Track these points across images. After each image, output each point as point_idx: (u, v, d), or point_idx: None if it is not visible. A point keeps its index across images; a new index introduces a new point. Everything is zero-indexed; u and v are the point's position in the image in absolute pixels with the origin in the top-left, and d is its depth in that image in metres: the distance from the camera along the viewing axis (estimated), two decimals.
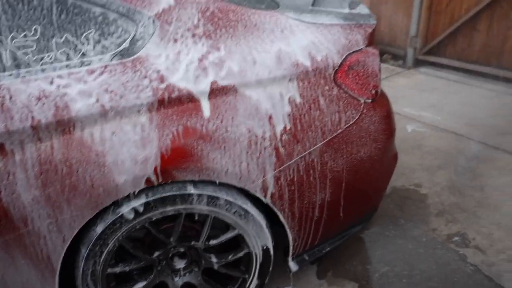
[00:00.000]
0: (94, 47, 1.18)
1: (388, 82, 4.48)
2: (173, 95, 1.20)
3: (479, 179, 2.59)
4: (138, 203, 1.24)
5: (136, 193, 1.22)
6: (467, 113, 3.56)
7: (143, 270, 1.44)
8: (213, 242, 1.43)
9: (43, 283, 1.25)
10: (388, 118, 1.62)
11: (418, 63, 4.90)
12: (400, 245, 2.05)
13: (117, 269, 1.35)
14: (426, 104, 3.79)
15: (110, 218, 1.23)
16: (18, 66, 1.13)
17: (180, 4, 1.25)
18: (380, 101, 1.59)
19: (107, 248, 1.27)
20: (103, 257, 1.28)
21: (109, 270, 1.33)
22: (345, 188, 1.56)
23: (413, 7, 4.69)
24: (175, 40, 1.23)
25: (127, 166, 1.17)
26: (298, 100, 1.36)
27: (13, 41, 1.14)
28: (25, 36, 1.15)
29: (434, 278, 1.84)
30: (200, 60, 1.24)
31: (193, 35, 1.25)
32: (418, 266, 1.91)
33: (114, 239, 1.27)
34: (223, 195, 1.32)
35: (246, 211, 1.37)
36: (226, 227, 1.42)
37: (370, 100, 1.52)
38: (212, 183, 1.31)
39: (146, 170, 1.19)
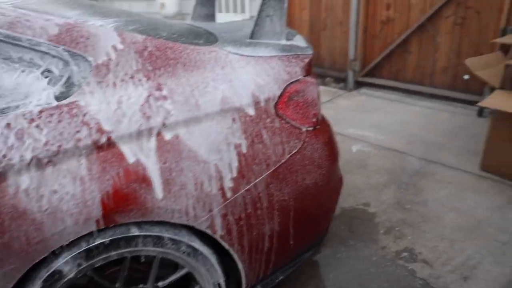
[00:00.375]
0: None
1: (331, 104, 4.64)
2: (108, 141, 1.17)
3: (422, 194, 2.72)
4: (77, 251, 1.17)
5: (72, 241, 1.16)
6: (406, 130, 3.75)
7: None
8: (162, 283, 1.38)
9: None
10: (330, 144, 1.67)
11: (358, 84, 5.13)
12: (352, 266, 2.09)
13: None
14: (369, 124, 3.96)
15: (45, 273, 1.16)
16: None
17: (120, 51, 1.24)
18: (321, 127, 1.64)
19: None
20: None
21: None
22: (293, 216, 1.57)
23: (349, 32, 4.94)
24: (114, 84, 1.21)
25: (64, 214, 1.11)
26: (241, 136, 1.37)
27: None
28: None
29: None
30: (140, 103, 1.22)
31: (132, 77, 1.23)
32: (370, 285, 1.95)
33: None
34: (169, 235, 1.29)
35: (195, 249, 1.34)
36: (175, 266, 1.38)
37: (311, 128, 1.56)
38: (157, 222, 1.27)
39: (89, 215, 1.14)
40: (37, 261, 1.13)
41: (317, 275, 2.04)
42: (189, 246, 1.32)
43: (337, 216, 2.50)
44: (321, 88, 5.21)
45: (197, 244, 1.35)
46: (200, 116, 1.30)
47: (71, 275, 1.18)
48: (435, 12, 4.23)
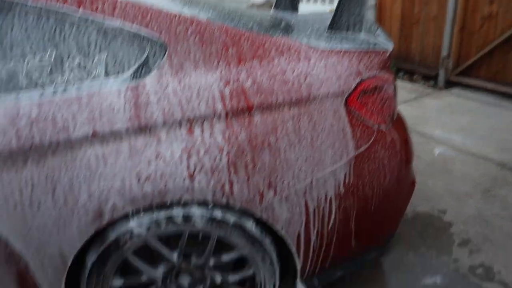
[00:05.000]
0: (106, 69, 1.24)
1: (417, 102, 4.39)
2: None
3: (509, 208, 2.47)
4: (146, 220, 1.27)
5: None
6: (499, 137, 3.43)
7: (148, 285, 1.46)
8: (216, 260, 1.43)
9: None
10: (404, 145, 1.59)
11: (449, 84, 4.78)
12: (418, 274, 1.98)
13: (121, 283, 1.37)
14: (456, 126, 3.68)
15: (117, 232, 1.27)
16: (34, 86, 1.20)
17: (192, 33, 1.29)
18: (395, 127, 1.57)
19: (112, 261, 1.30)
20: (107, 269, 1.31)
21: (114, 283, 1.35)
22: (356, 214, 1.53)
23: (445, 27, 4.60)
24: (185, 68, 1.27)
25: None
26: (309, 129, 1.36)
27: (29, 63, 1.21)
28: (40, 58, 1.22)
29: None
30: (212, 87, 1.26)
31: (205, 63, 1.28)
32: None
33: (120, 252, 1.29)
34: (233, 218, 1.33)
35: (252, 233, 1.37)
36: (231, 247, 1.42)
37: (383, 127, 1.49)
38: (216, 202, 1.32)
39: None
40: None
41: (379, 278, 1.97)
42: (246, 229, 1.35)
43: (409, 220, 2.38)
44: (408, 85, 4.94)
45: (253, 228, 1.37)
46: (272, 105, 1.31)
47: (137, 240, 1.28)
48: None
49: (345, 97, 1.42)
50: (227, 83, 1.28)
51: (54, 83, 1.21)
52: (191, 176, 1.25)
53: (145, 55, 1.26)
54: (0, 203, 1.17)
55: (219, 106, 1.27)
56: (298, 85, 1.34)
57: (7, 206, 1.17)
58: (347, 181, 1.46)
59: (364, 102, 1.46)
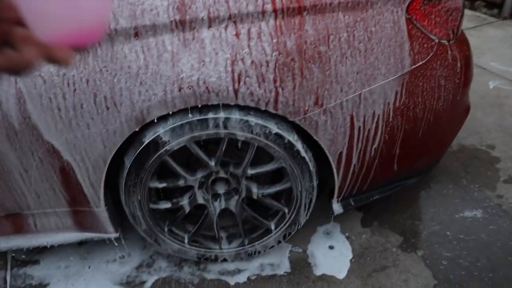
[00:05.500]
0: None
1: (476, 31, 4.02)
2: None
3: None
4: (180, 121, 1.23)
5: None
6: None
7: (184, 190, 1.47)
8: (254, 171, 1.40)
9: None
10: (465, 65, 1.44)
11: None
12: (457, 207, 1.91)
13: (158, 184, 1.39)
14: None
15: (153, 133, 1.25)
16: None
17: None
18: (458, 44, 1.41)
19: (150, 163, 1.30)
20: (145, 170, 1.32)
21: (151, 185, 1.37)
22: (403, 137, 1.44)
23: None
24: None
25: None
26: (365, 33, 1.23)
27: None
28: None
29: (493, 247, 1.70)
30: None
31: None
32: (474, 233, 1.78)
33: (158, 155, 1.29)
34: (271, 125, 1.27)
35: (292, 144, 1.31)
36: (271, 158, 1.39)
37: (445, 41, 1.34)
38: (258, 110, 1.26)
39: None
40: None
41: (416, 206, 1.92)
42: (287, 140, 1.30)
43: (454, 152, 2.26)
44: (469, 12, 4.51)
45: (295, 140, 1.32)
46: (326, 8, 1.19)
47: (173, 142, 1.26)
48: None
49: (407, 4, 1.27)
50: None
51: None
52: (234, 80, 1.18)
53: None
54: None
55: (268, 6, 1.15)
56: None
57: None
58: (397, 99, 1.35)
59: (428, 11, 1.30)
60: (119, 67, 1.14)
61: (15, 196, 1.36)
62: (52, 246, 1.54)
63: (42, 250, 1.71)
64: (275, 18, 1.17)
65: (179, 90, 1.16)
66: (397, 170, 1.57)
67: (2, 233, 1.47)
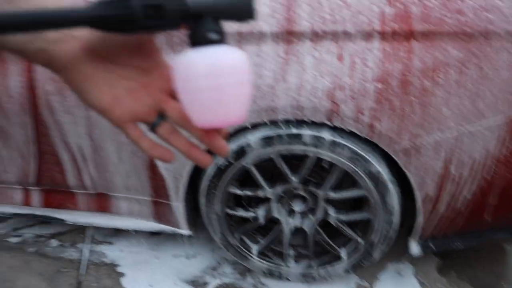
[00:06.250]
0: None
1: None
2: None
3: None
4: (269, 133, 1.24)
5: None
6: None
7: (261, 201, 1.48)
8: (335, 194, 1.36)
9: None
10: None
11: None
12: None
13: (238, 191, 1.40)
14: None
15: (242, 141, 1.27)
16: None
17: None
18: None
19: (234, 168, 1.32)
20: (227, 175, 1.34)
21: (231, 190, 1.38)
22: (502, 186, 1.31)
23: None
24: None
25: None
26: (477, 66, 1.15)
27: None
28: None
29: None
30: (373, 2, 1.11)
31: None
32: None
33: (243, 162, 1.30)
34: (360, 150, 1.23)
35: (379, 173, 1.26)
36: (353, 184, 1.34)
37: None
38: (350, 134, 1.23)
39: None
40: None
41: (503, 263, 1.74)
42: (376, 169, 1.25)
43: None
44: None
45: (384, 171, 1.26)
46: (437, 36, 1.13)
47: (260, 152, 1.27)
48: None
49: None
50: (390, 1, 1.11)
51: None
52: (331, 101, 1.16)
53: None
54: None
55: (376, 26, 1.12)
56: (475, 17, 1.11)
57: None
58: (502, 144, 1.24)
59: None
60: None
61: (108, 178, 1.45)
62: (127, 231, 1.61)
63: (116, 233, 1.81)
64: (382, 41, 1.13)
65: (275, 101, 1.17)
66: (489, 220, 1.43)
67: (88, 209, 1.57)
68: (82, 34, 0.38)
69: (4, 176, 1.55)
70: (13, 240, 1.82)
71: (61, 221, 1.62)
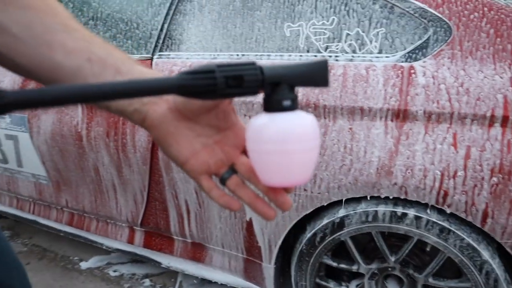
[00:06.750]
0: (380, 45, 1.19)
1: None
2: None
3: None
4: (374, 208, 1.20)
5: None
6: None
7: (353, 275, 1.42)
8: (437, 282, 1.26)
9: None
10: None
11: None
12: None
13: (331, 262, 1.36)
14: None
15: (342, 212, 1.26)
16: (307, 50, 1.25)
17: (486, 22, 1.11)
18: None
19: (330, 238, 1.30)
20: (323, 245, 1.32)
21: (324, 260, 1.35)
22: None
23: None
24: (465, 57, 1.11)
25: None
26: None
27: (311, 27, 1.27)
28: (322, 24, 1.26)
29: None
30: (497, 89, 1.07)
31: (495, 60, 1.09)
32: None
33: (340, 233, 1.28)
34: (470, 239, 1.14)
35: (492, 268, 1.14)
36: (459, 274, 1.24)
37: None
38: (459, 219, 1.15)
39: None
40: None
41: None
42: (486, 261, 1.14)
43: None
44: None
45: (496, 265, 1.15)
46: None
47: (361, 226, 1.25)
48: None
49: None
50: None
51: (328, 50, 1.24)
52: (442, 183, 1.10)
53: (425, 37, 1.15)
54: None
55: (499, 112, 1.07)
56: None
57: None
58: None
59: None
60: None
61: (206, 231, 1.52)
62: (214, 282, 1.65)
63: (202, 282, 1.85)
64: (503, 125, 1.07)
65: (380, 175, 1.15)
66: None
67: (184, 256, 1.65)
68: (170, 97, 0.44)
69: (116, 214, 1.71)
70: (112, 274, 1.96)
71: (157, 263, 1.72)
